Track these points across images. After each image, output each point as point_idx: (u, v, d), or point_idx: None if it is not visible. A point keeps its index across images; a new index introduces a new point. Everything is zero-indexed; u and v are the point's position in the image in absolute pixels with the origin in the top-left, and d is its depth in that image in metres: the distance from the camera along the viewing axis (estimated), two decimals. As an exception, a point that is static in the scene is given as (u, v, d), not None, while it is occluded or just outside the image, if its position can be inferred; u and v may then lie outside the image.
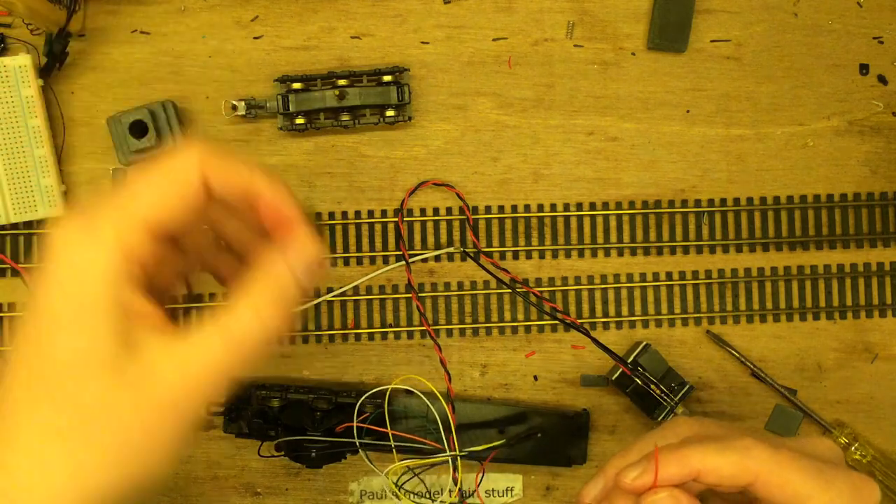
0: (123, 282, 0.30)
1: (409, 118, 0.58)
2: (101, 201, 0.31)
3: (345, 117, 0.57)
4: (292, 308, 0.32)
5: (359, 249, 0.59)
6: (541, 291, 0.59)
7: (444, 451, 0.55)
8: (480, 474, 0.57)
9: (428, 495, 0.57)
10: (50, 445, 0.29)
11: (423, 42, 0.59)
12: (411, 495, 0.56)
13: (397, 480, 0.56)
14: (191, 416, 0.31)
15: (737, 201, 0.61)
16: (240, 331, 0.31)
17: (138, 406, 0.30)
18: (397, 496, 0.56)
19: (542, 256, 0.60)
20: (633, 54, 0.60)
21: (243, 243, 0.36)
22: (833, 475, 0.37)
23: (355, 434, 0.54)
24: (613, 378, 0.57)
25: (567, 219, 0.60)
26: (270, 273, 0.32)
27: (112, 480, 0.30)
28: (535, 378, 0.59)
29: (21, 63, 0.54)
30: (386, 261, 0.59)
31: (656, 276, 0.60)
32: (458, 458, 0.55)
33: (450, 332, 0.59)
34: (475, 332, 0.59)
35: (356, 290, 0.58)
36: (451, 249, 0.59)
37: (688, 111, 0.60)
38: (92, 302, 0.29)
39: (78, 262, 0.30)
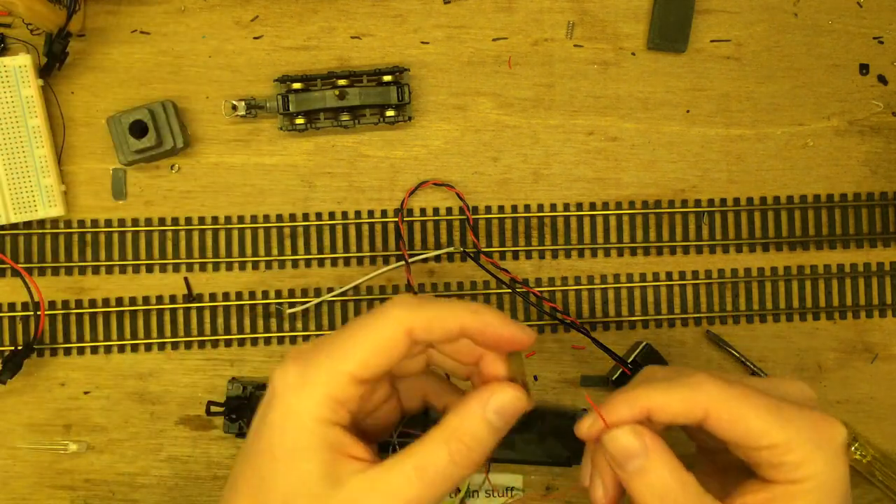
0: (331, 425, 0.34)
1: (409, 118, 0.58)
2: (316, 351, 0.36)
3: (345, 117, 0.57)
4: (485, 453, 0.35)
5: (359, 249, 0.59)
6: (541, 291, 0.59)
7: None
8: (486, 473, 0.57)
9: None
10: None
11: (423, 42, 0.59)
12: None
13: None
14: None
15: (737, 201, 0.61)
16: (433, 470, 0.34)
17: None
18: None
19: (542, 256, 0.60)
20: (633, 54, 0.60)
21: (463, 376, 0.40)
22: (794, 413, 0.35)
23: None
24: (613, 378, 0.57)
25: (567, 219, 0.60)
26: (467, 418, 0.35)
27: None
28: (535, 378, 0.59)
29: (21, 63, 0.54)
30: (386, 261, 0.59)
31: (656, 276, 0.60)
32: None
33: (450, 332, 0.59)
34: (475, 332, 0.59)
35: (356, 290, 0.59)
36: (451, 249, 0.59)
37: (688, 111, 0.60)
38: (304, 442, 0.34)
39: (294, 407, 0.35)
